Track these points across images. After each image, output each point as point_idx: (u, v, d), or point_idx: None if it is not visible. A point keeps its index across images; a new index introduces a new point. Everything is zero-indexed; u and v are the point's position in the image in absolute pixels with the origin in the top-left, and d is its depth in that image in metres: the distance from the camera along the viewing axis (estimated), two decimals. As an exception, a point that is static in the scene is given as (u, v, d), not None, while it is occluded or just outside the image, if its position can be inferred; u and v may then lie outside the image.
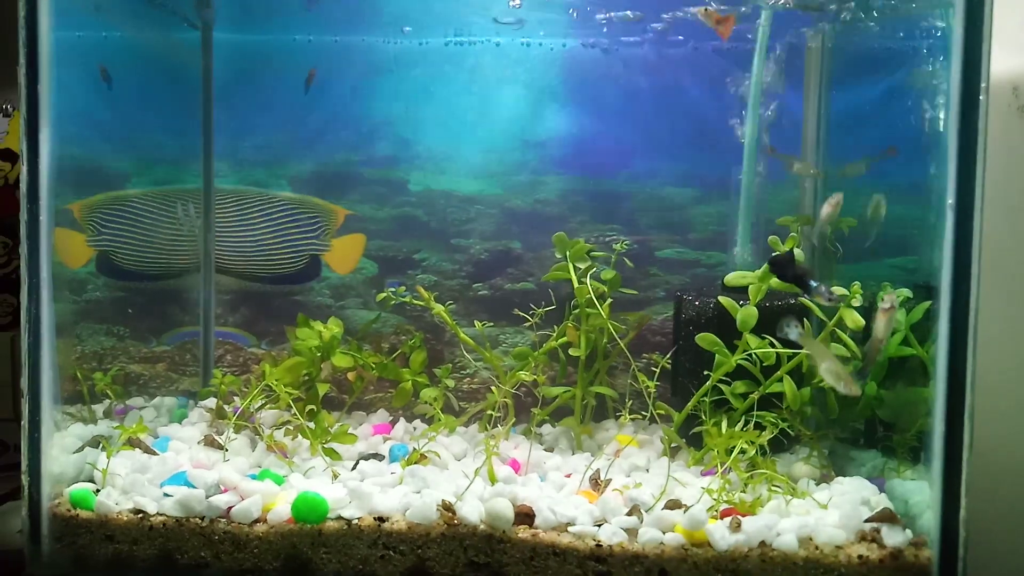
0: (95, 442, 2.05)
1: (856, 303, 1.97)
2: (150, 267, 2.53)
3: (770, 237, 2.06)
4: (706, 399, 2.03)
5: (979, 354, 1.63)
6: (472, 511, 1.74)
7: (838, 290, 1.89)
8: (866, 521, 1.71)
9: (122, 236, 2.51)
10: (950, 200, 1.62)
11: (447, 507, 1.75)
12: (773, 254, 2.00)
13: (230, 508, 1.78)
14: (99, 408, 2.35)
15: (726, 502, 1.77)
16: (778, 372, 2.00)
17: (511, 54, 2.46)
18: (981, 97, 1.60)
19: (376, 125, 2.52)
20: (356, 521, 1.75)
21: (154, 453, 2.03)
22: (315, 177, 2.54)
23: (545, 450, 2.21)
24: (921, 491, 1.73)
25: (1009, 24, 1.96)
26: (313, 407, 2.14)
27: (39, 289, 1.80)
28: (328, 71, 2.50)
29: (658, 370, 2.06)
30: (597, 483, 1.89)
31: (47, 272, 1.82)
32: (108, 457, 1.88)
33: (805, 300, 2.08)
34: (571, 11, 2.28)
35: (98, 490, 1.85)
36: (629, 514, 1.76)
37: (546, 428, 2.34)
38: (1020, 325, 1.92)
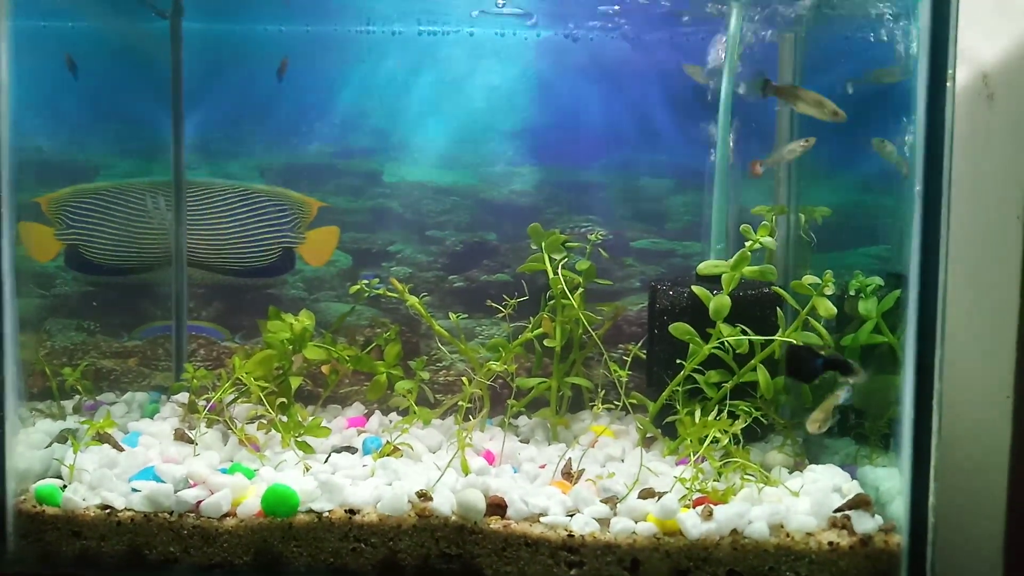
0: (62, 438, 2.02)
1: (829, 291, 1.97)
2: (120, 261, 2.50)
3: (742, 226, 2.06)
4: (680, 389, 2.03)
5: (948, 342, 1.64)
6: (444, 502, 1.73)
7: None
8: (838, 509, 1.72)
9: (91, 229, 2.48)
10: (918, 187, 1.62)
11: (423, 495, 1.73)
12: (791, 348, 1.86)
13: (199, 502, 1.76)
14: (69, 404, 2.32)
15: (699, 491, 1.78)
16: (752, 361, 2.01)
17: (485, 44, 2.45)
18: (948, 84, 1.60)
19: (350, 116, 2.49)
20: (327, 514, 1.74)
21: (122, 448, 2.01)
22: (288, 169, 2.52)
23: (521, 441, 2.21)
24: (891, 478, 1.74)
25: (979, 12, 1.97)
26: (285, 400, 2.12)
27: (0, 283, 1.76)
28: (301, 61, 2.47)
29: (629, 359, 2.06)
30: (569, 474, 1.89)
31: (9, 266, 1.79)
32: (75, 452, 1.86)
33: (778, 289, 2.08)
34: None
35: (65, 486, 1.82)
36: (604, 502, 1.76)
37: (522, 420, 2.34)
38: (990, 313, 1.93)
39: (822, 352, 1.88)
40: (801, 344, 1.89)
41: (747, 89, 1.95)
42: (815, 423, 1.85)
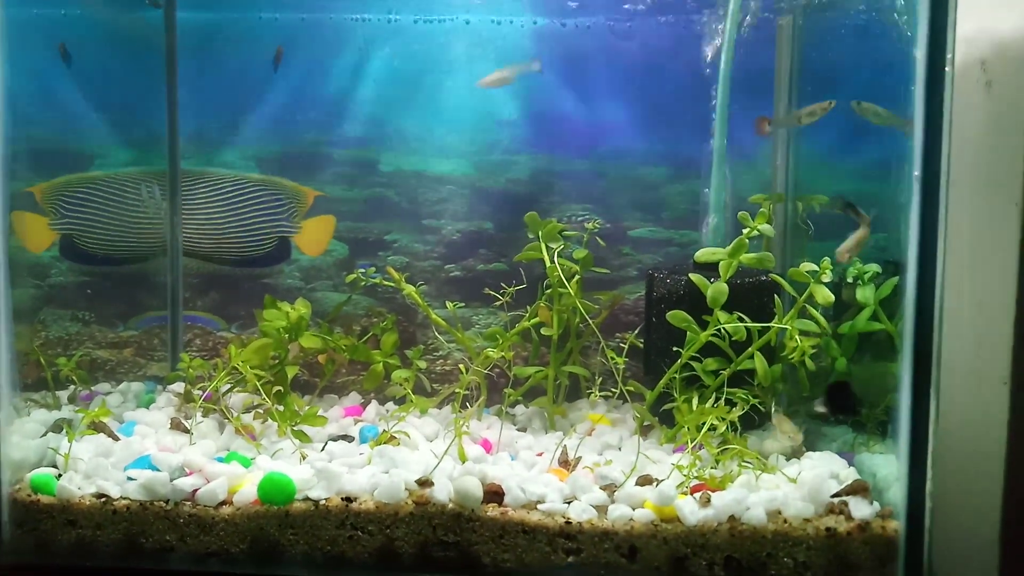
0: (57, 427, 2.01)
1: (826, 279, 1.97)
2: (115, 251, 2.48)
3: (739, 213, 2.05)
4: (677, 376, 2.02)
5: (945, 328, 1.64)
6: (441, 490, 1.72)
7: None
8: (835, 495, 1.72)
9: (86, 219, 2.47)
10: (916, 172, 1.62)
11: (424, 483, 1.73)
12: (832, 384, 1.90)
13: (195, 491, 1.75)
14: (64, 394, 2.31)
15: (696, 478, 1.77)
16: (749, 349, 2.00)
17: (481, 32, 2.43)
18: (947, 69, 1.60)
19: (346, 105, 2.48)
20: (324, 502, 1.73)
21: (118, 438, 2.00)
22: (284, 158, 2.50)
23: (518, 430, 2.21)
24: (889, 464, 1.74)
25: (978, -1, 1.96)
26: (281, 389, 2.12)
27: (-5, 272, 1.76)
28: (296, 50, 2.46)
29: (626, 347, 2.05)
30: (567, 463, 1.89)
31: (3, 256, 1.78)
32: (70, 441, 1.85)
33: (776, 276, 2.08)
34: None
35: (60, 475, 1.81)
36: (602, 490, 1.75)
37: (519, 408, 2.33)
38: (988, 300, 1.93)
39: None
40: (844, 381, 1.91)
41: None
42: (786, 435, 1.87)
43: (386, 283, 2.33)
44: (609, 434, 2.11)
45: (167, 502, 1.74)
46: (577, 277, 2.19)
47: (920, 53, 1.62)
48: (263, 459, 1.90)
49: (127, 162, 2.48)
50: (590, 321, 2.17)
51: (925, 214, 1.63)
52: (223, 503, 1.75)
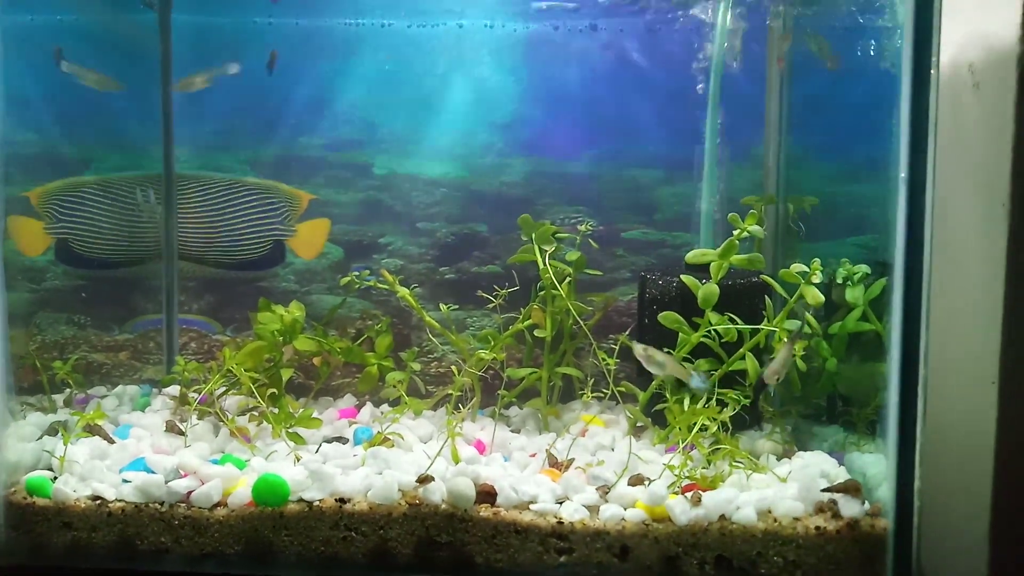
0: (53, 430, 2.02)
1: (816, 280, 1.99)
2: (111, 254, 2.49)
3: (730, 215, 2.07)
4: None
5: (934, 328, 1.65)
6: (434, 490, 1.74)
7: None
8: (825, 490, 1.73)
9: (81, 223, 2.48)
10: (903, 174, 1.63)
11: (424, 479, 1.74)
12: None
13: (190, 493, 1.76)
14: (59, 398, 2.32)
15: (688, 478, 1.79)
16: (741, 349, 2.02)
17: (474, 35, 2.45)
18: (932, 72, 1.61)
19: (339, 108, 2.49)
20: (318, 503, 1.74)
21: (113, 441, 2.01)
22: (278, 161, 2.52)
23: (512, 431, 2.22)
24: (878, 463, 1.76)
25: (965, 2, 1.98)
26: (275, 391, 2.13)
27: (-10, 276, 1.77)
28: (290, 54, 2.47)
29: (617, 347, 2.06)
30: (557, 464, 1.90)
31: (-1, 259, 1.79)
32: (65, 444, 1.86)
33: (766, 277, 2.09)
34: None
35: (55, 477, 1.82)
36: (596, 490, 1.77)
37: (513, 410, 2.35)
38: (975, 300, 1.94)
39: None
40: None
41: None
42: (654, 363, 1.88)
43: (380, 286, 2.34)
44: (602, 435, 2.13)
45: (162, 504, 1.75)
46: (570, 279, 2.20)
47: (906, 55, 1.63)
48: (257, 461, 1.91)
49: (122, 166, 2.49)
50: (582, 323, 2.18)
51: (912, 215, 1.64)
52: (218, 505, 1.76)
